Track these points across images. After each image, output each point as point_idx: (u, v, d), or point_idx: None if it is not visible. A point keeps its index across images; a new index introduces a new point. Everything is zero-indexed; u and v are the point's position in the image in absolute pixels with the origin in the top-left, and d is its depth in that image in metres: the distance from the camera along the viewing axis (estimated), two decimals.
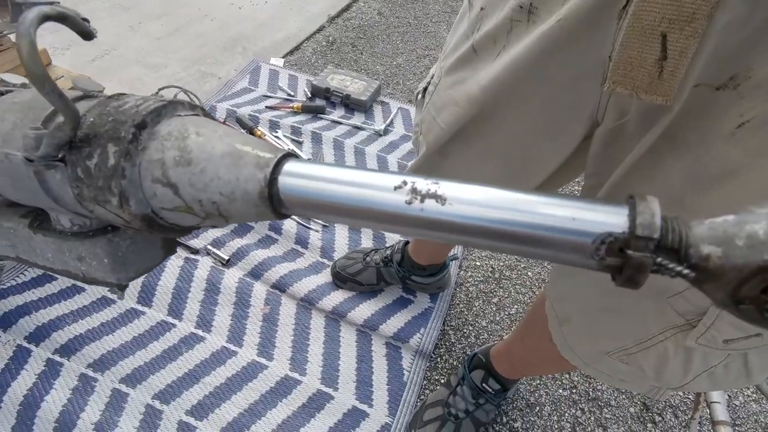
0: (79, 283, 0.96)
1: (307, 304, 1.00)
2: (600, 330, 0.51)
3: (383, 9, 2.04)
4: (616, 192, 0.42)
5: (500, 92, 0.44)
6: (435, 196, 0.17)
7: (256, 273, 1.02)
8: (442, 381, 0.94)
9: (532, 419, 0.90)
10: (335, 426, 0.85)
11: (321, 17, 1.90)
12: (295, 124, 1.36)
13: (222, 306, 0.97)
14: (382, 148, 1.38)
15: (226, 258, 1.03)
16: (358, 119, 1.47)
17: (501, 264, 1.16)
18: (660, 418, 0.93)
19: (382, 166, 1.33)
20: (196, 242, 1.06)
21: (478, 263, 1.16)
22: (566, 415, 0.92)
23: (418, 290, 1.05)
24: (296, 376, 0.90)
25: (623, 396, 0.95)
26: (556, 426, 0.90)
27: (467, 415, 0.84)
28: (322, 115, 1.45)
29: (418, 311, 1.02)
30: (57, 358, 0.85)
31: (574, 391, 0.95)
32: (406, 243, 1.01)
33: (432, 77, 0.57)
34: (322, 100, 1.49)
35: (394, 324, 0.99)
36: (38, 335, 0.86)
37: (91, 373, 0.84)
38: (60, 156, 0.21)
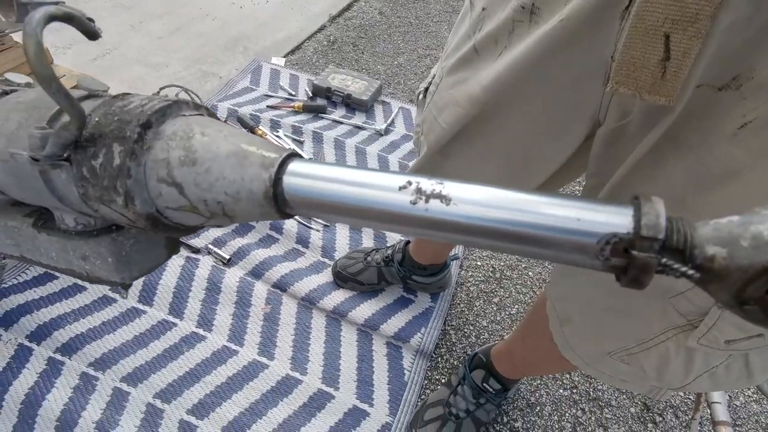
0: (81, 282, 0.96)
1: (308, 303, 1.00)
2: (601, 330, 0.51)
3: (384, 8, 2.04)
4: (618, 192, 0.42)
5: (502, 92, 0.44)
6: (440, 197, 0.17)
7: (257, 272, 1.03)
8: (443, 381, 0.94)
9: (533, 419, 0.90)
10: (336, 425, 0.85)
11: (322, 17, 1.90)
12: (296, 124, 1.36)
13: (223, 305, 0.97)
14: (383, 148, 1.38)
15: (227, 257, 1.03)
16: (359, 119, 1.47)
17: (502, 264, 1.16)
18: (661, 419, 0.93)
19: (383, 166, 1.33)
20: (197, 241, 1.06)
21: (479, 263, 1.16)
22: (567, 415, 0.92)
23: (419, 290, 1.06)
24: (297, 375, 0.90)
25: (624, 396, 0.96)
26: (556, 426, 0.90)
27: (468, 415, 0.85)
28: (323, 115, 1.45)
29: (418, 311, 1.02)
30: (58, 356, 0.85)
31: (574, 391, 0.95)
32: (407, 243, 1.01)
33: (433, 77, 0.57)
34: (323, 100, 1.49)
35: (394, 324, 0.99)
36: (39, 334, 0.86)
37: (92, 372, 0.84)
38: (65, 155, 0.21)
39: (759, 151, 0.32)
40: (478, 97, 0.46)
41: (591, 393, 0.95)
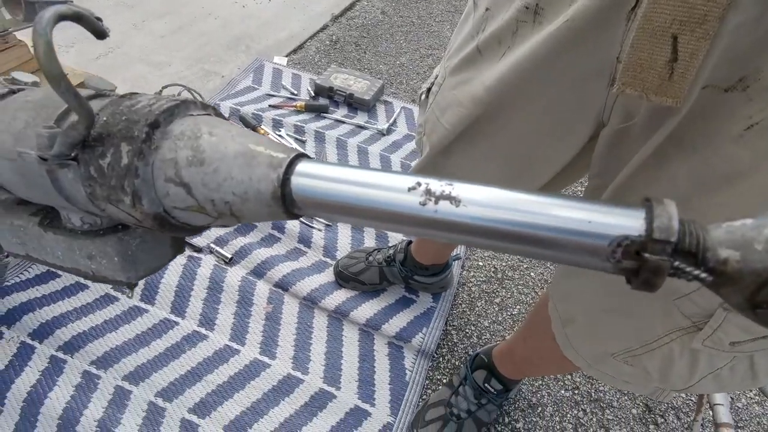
0: (83, 281, 0.96)
1: (309, 303, 1.00)
2: (604, 331, 0.51)
3: (387, 8, 2.04)
4: (621, 193, 0.42)
5: (505, 93, 0.44)
6: (449, 198, 0.17)
7: (259, 272, 1.03)
8: (445, 381, 0.94)
9: (534, 420, 0.90)
10: (337, 425, 0.85)
11: (324, 16, 1.90)
12: (298, 123, 1.36)
13: (225, 304, 0.97)
14: (385, 148, 1.38)
15: (229, 256, 1.04)
16: (361, 118, 1.47)
17: (503, 264, 1.16)
18: (662, 420, 0.93)
19: (385, 166, 1.33)
20: (199, 240, 1.06)
21: (480, 263, 1.16)
22: (568, 416, 0.92)
23: (421, 290, 1.06)
24: (298, 374, 0.90)
25: (625, 397, 0.95)
26: (558, 427, 0.90)
27: (469, 415, 0.84)
28: (325, 114, 1.45)
29: (420, 311, 1.02)
30: (60, 355, 0.85)
31: (576, 392, 0.95)
32: (409, 243, 1.01)
33: (436, 78, 0.57)
34: (325, 99, 1.49)
35: (396, 323, 0.99)
36: (42, 332, 0.86)
37: (94, 371, 0.84)
38: (73, 155, 0.21)
39: (765, 153, 0.32)
40: (482, 98, 0.46)
41: (593, 394, 0.95)
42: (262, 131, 1.30)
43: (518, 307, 1.08)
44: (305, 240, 1.12)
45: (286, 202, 0.20)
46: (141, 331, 0.91)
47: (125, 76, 1.49)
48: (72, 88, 0.19)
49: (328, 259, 1.10)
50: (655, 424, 0.92)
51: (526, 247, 0.16)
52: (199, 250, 1.05)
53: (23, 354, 0.84)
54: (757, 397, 0.98)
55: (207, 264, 1.02)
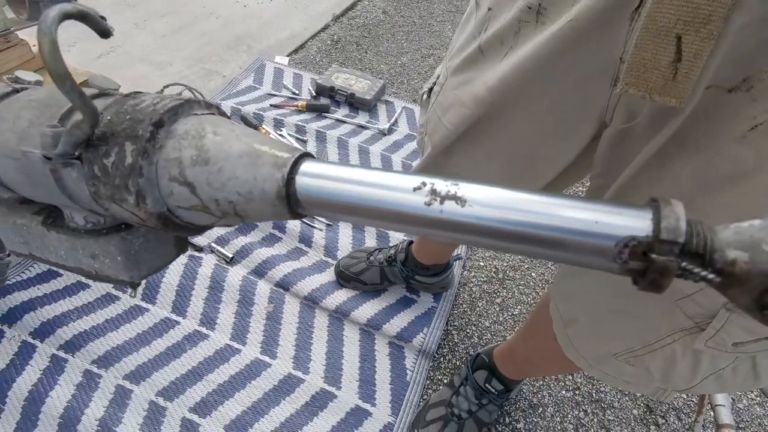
0: (84, 280, 0.96)
1: (310, 302, 1.00)
2: (607, 331, 0.51)
3: (388, 8, 2.04)
4: (624, 193, 0.42)
5: (508, 93, 0.43)
6: (455, 198, 0.17)
7: (259, 271, 1.03)
8: (445, 381, 0.94)
9: (535, 420, 0.90)
10: (338, 425, 0.85)
11: (326, 16, 1.90)
12: (300, 123, 1.36)
13: (226, 304, 0.97)
14: (387, 148, 1.38)
15: (230, 256, 1.04)
16: (362, 118, 1.47)
17: (504, 264, 1.16)
18: (663, 421, 0.93)
19: (386, 166, 1.33)
20: (200, 240, 1.06)
21: (481, 263, 1.16)
22: (569, 416, 0.92)
23: (422, 290, 1.05)
24: (299, 374, 0.90)
25: (626, 398, 0.95)
26: (558, 427, 0.90)
27: (470, 416, 0.84)
28: (326, 114, 1.45)
29: (421, 311, 1.02)
30: (61, 354, 0.85)
31: (577, 392, 0.95)
32: (410, 242, 1.01)
33: (437, 77, 0.57)
34: (326, 99, 1.49)
35: (397, 323, 0.99)
36: (43, 331, 0.86)
37: (95, 370, 0.84)
38: (77, 154, 0.21)
39: None
40: (484, 98, 0.46)
41: (594, 394, 0.95)
42: (263, 131, 1.30)
43: (519, 307, 1.08)
44: (306, 240, 1.12)
45: (291, 202, 0.20)
46: (142, 331, 0.91)
47: (126, 75, 1.49)
48: (77, 87, 0.19)
49: (329, 259, 1.10)
50: (656, 425, 0.92)
51: (532, 247, 0.16)
52: (200, 249, 1.05)
53: (24, 353, 0.84)
54: (758, 398, 0.97)
55: (208, 263, 1.02)
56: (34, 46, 0.98)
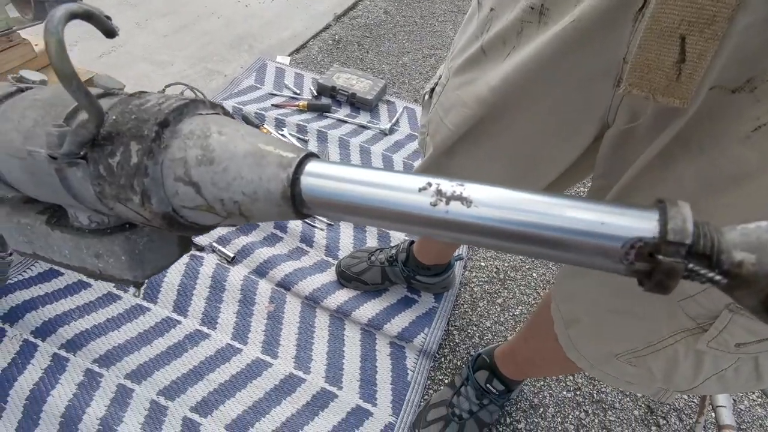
0: (85, 279, 0.96)
1: (311, 302, 1.00)
2: (608, 332, 0.51)
3: (389, 8, 2.04)
4: (627, 194, 0.42)
5: (510, 93, 0.43)
6: (460, 198, 0.17)
7: (261, 271, 1.03)
8: (446, 381, 0.94)
9: (536, 420, 0.90)
10: (339, 424, 0.85)
11: (327, 15, 1.90)
12: (301, 123, 1.36)
13: (227, 303, 0.97)
14: (388, 148, 1.38)
15: (232, 255, 1.04)
16: (363, 118, 1.47)
17: (506, 265, 1.16)
18: (664, 422, 0.93)
19: (387, 166, 1.33)
20: (201, 239, 1.06)
21: (482, 263, 1.16)
22: (570, 417, 0.91)
23: (423, 290, 1.05)
24: (300, 374, 0.90)
25: (627, 399, 0.95)
26: (559, 428, 0.90)
27: (471, 416, 0.84)
28: (327, 114, 1.45)
29: (422, 311, 1.02)
30: (63, 353, 0.85)
31: (578, 393, 0.95)
32: (411, 243, 1.01)
33: (439, 78, 0.57)
34: (327, 99, 1.49)
35: (398, 323, 0.99)
36: (44, 330, 0.86)
37: (96, 369, 0.84)
38: (82, 153, 0.21)
39: None
40: (486, 98, 0.45)
41: (594, 395, 0.95)
42: (264, 130, 1.30)
43: (520, 307, 1.08)
44: (307, 239, 1.12)
45: (296, 202, 0.20)
46: (143, 330, 0.91)
47: (128, 74, 1.49)
48: (83, 86, 0.19)
49: (330, 259, 1.10)
50: (657, 426, 0.92)
51: (537, 248, 0.16)
52: (201, 249, 1.05)
53: (26, 352, 0.84)
54: (759, 399, 0.97)
55: (209, 263, 1.02)
56: (36, 45, 0.98)
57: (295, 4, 1.97)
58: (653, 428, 0.92)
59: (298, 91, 1.52)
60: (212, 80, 1.54)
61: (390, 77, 1.67)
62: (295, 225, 1.13)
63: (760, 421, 0.94)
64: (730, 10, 0.28)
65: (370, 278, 1.02)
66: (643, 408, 0.94)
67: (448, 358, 0.98)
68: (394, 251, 1.02)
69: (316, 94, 1.51)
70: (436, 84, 0.58)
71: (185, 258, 1.02)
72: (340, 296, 1.01)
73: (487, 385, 0.85)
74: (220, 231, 1.08)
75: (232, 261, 1.04)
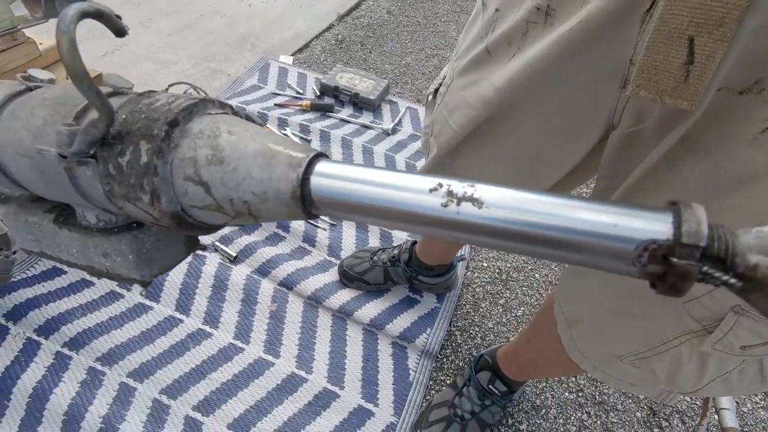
0: (88, 277, 0.96)
1: (313, 302, 1.00)
2: (612, 333, 0.50)
3: (392, 8, 2.03)
4: (631, 195, 0.41)
5: (515, 94, 0.43)
6: (471, 200, 0.17)
7: (263, 270, 1.03)
8: (448, 382, 0.94)
9: (538, 422, 0.90)
10: (341, 424, 0.85)
11: (330, 15, 1.90)
12: (304, 122, 1.36)
13: (229, 302, 0.97)
14: (390, 148, 1.38)
15: (234, 255, 1.04)
16: (366, 118, 1.47)
17: (508, 265, 1.15)
18: (667, 424, 0.92)
19: (390, 166, 1.32)
20: (204, 238, 1.06)
21: (485, 264, 1.15)
22: (572, 418, 0.91)
23: (425, 290, 1.05)
24: (302, 373, 0.90)
25: (630, 400, 0.95)
26: (561, 429, 0.90)
27: (473, 417, 0.84)
28: (330, 114, 1.45)
29: (424, 311, 1.02)
30: (66, 351, 0.85)
31: (580, 394, 0.95)
32: (414, 243, 1.01)
33: (443, 78, 0.57)
34: (330, 99, 1.49)
35: (400, 324, 0.99)
36: (48, 328, 0.87)
37: (99, 367, 0.84)
38: (92, 152, 0.21)
39: None
40: (491, 99, 0.45)
41: (597, 396, 0.95)
42: (267, 130, 1.30)
43: (522, 308, 1.08)
44: (310, 239, 1.12)
45: (306, 202, 0.20)
46: (146, 329, 0.91)
47: (132, 74, 1.49)
48: (94, 86, 0.19)
49: (332, 259, 1.10)
50: (660, 428, 0.92)
51: (548, 250, 0.16)
52: (203, 248, 1.05)
53: (29, 350, 0.84)
54: (762, 402, 0.97)
55: (212, 262, 1.02)
56: (40, 44, 0.98)
57: (298, 3, 1.97)
58: (655, 430, 0.91)
59: (301, 91, 1.52)
60: (215, 79, 1.54)
61: (393, 77, 1.67)
62: (298, 224, 1.13)
63: (763, 424, 0.94)
64: (740, 11, 0.28)
65: (373, 278, 1.02)
66: (646, 410, 0.94)
67: (450, 358, 0.98)
68: (396, 251, 1.02)
69: (319, 93, 1.51)
70: (440, 85, 0.58)
71: (188, 257, 1.02)
72: (343, 296, 1.01)
73: (489, 386, 0.85)
74: (223, 230, 1.08)
75: (235, 260, 1.04)
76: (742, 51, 0.29)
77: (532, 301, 1.09)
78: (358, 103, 1.50)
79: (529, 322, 0.91)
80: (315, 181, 0.19)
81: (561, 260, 0.17)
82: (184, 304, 0.96)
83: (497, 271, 1.14)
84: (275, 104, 1.44)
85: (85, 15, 0.18)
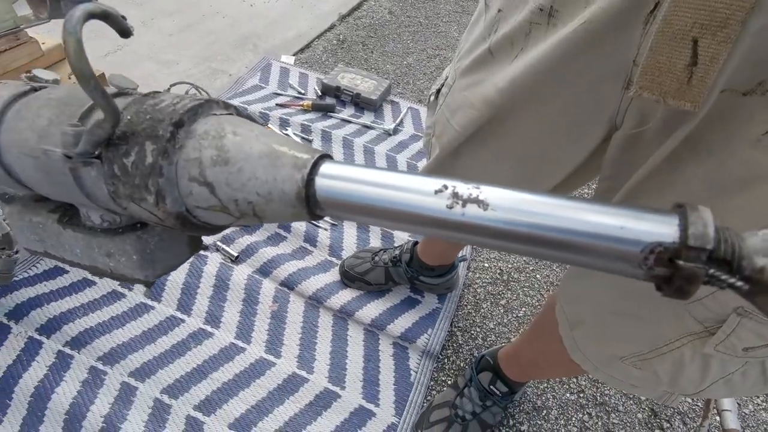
0: (90, 277, 0.96)
1: (315, 302, 1.00)
2: (614, 334, 0.50)
3: (394, 8, 2.04)
4: (634, 196, 0.41)
5: (518, 95, 0.43)
6: (477, 201, 0.17)
7: (264, 270, 1.03)
8: (449, 382, 0.94)
9: (539, 422, 0.90)
10: (342, 424, 0.85)
11: (332, 15, 1.91)
12: (305, 122, 1.36)
13: (231, 302, 0.97)
14: (392, 148, 1.38)
15: (235, 254, 1.04)
16: (367, 118, 1.47)
17: (509, 266, 1.15)
18: (668, 425, 0.92)
19: (391, 166, 1.32)
20: (205, 238, 1.06)
21: (486, 265, 1.15)
22: (573, 419, 0.91)
23: (426, 291, 1.05)
24: (303, 373, 0.90)
25: (631, 401, 0.95)
26: (562, 430, 0.90)
27: (474, 417, 0.84)
28: (331, 114, 1.45)
29: (425, 312, 1.02)
30: (67, 350, 0.85)
31: (581, 395, 0.95)
32: (415, 243, 1.01)
33: (446, 79, 0.57)
34: (332, 99, 1.49)
35: (401, 324, 0.99)
36: (49, 327, 0.87)
37: (100, 366, 0.85)
38: (97, 153, 0.21)
39: None
40: (494, 100, 0.45)
41: (598, 397, 0.95)
42: (269, 129, 1.30)
43: (524, 309, 1.08)
44: (311, 239, 1.12)
45: (310, 203, 0.20)
46: (147, 328, 0.91)
47: (134, 73, 1.50)
48: (101, 87, 0.19)
49: (333, 259, 1.10)
50: (661, 429, 0.92)
51: (554, 251, 0.16)
52: (205, 247, 1.05)
53: (31, 349, 0.84)
54: (764, 404, 0.97)
55: (213, 262, 1.03)
56: (43, 44, 0.99)
57: (299, 3, 1.97)
58: (657, 431, 0.91)
59: (302, 91, 1.52)
60: (217, 79, 1.54)
61: (394, 77, 1.67)
62: (299, 225, 1.13)
63: (764, 426, 0.94)
64: (744, 13, 0.27)
65: (374, 278, 1.02)
66: (647, 411, 0.94)
67: (451, 359, 0.98)
68: (397, 252, 1.02)
69: (320, 93, 1.52)
70: (442, 85, 0.58)
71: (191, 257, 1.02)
72: (344, 296, 1.01)
73: (491, 387, 0.85)
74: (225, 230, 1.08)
75: (236, 260, 1.04)
76: (746, 52, 0.29)
77: (534, 301, 1.09)
78: (360, 104, 1.50)
79: (530, 323, 0.91)
80: (320, 182, 0.19)
81: (566, 262, 0.17)
82: (185, 303, 0.96)
83: (498, 271, 1.14)
84: (277, 104, 1.44)
85: (91, 16, 0.18)
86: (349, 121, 1.44)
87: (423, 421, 0.86)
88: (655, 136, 0.38)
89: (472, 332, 1.02)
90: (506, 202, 0.16)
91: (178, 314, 0.94)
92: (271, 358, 0.91)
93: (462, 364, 0.97)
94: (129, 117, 0.21)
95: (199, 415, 0.82)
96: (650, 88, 0.33)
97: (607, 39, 0.35)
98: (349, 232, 1.16)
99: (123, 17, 0.21)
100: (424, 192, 0.18)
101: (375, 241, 1.15)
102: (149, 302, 0.95)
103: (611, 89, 0.38)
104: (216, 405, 0.84)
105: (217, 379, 0.87)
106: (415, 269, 0.99)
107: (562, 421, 0.91)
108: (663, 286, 0.15)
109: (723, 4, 0.28)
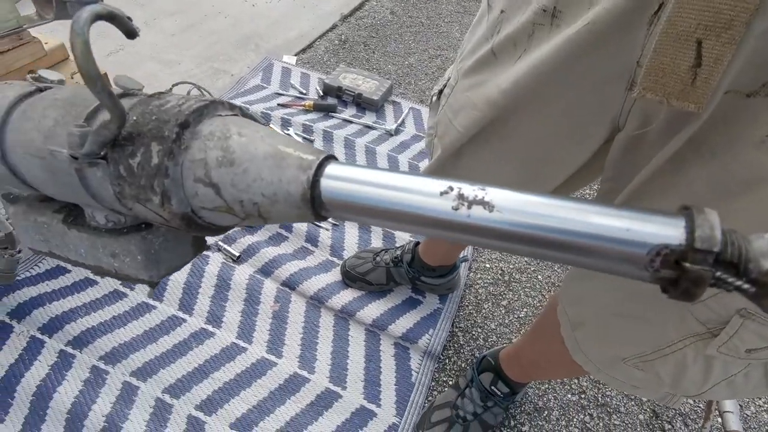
0: (92, 276, 0.96)
1: (316, 302, 1.01)
2: (616, 335, 0.50)
3: (396, 8, 2.04)
4: (636, 198, 0.41)
5: (521, 96, 0.43)
6: (482, 203, 0.17)
7: (266, 270, 1.03)
8: (451, 383, 0.94)
9: (540, 423, 0.90)
10: (343, 425, 0.85)
11: (334, 16, 1.91)
12: (307, 122, 1.36)
13: (232, 302, 0.98)
14: (393, 148, 1.38)
15: (237, 254, 1.04)
16: (369, 118, 1.47)
17: (511, 267, 1.15)
18: (670, 426, 0.92)
19: (393, 166, 1.33)
20: (206, 238, 1.06)
21: (488, 265, 1.15)
22: (574, 420, 0.91)
23: (428, 291, 1.05)
24: (305, 373, 0.90)
25: (632, 402, 0.95)
26: (564, 431, 0.90)
27: (475, 418, 0.84)
28: (333, 114, 1.45)
29: (427, 312, 1.02)
30: (69, 349, 0.86)
31: (582, 396, 0.95)
32: (417, 244, 1.01)
33: (448, 80, 0.57)
34: (333, 99, 1.49)
35: (402, 324, 0.99)
36: (51, 327, 0.87)
37: (102, 366, 0.85)
38: (103, 154, 0.21)
39: None
40: (496, 101, 0.45)
41: (599, 399, 0.95)
42: (270, 129, 1.30)
43: (525, 309, 1.08)
44: (312, 239, 1.12)
45: (316, 204, 0.20)
46: (149, 328, 0.91)
47: (136, 73, 1.50)
48: (107, 88, 0.19)
49: (335, 259, 1.10)
50: (663, 431, 0.91)
51: (559, 253, 0.16)
52: (207, 247, 1.05)
53: (33, 348, 0.84)
54: (766, 405, 0.97)
55: (215, 262, 1.03)
56: (46, 43, 0.99)
57: (301, 3, 1.97)
58: None
59: (304, 91, 1.52)
60: (219, 79, 1.55)
61: (396, 78, 1.67)
62: (301, 225, 1.14)
63: (766, 427, 0.94)
64: (748, 14, 0.27)
65: (375, 279, 1.02)
66: (649, 412, 0.94)
67: (452, 359, 0.98)
68: (399, 252, 1.02)
69: (322, 94, 1.52)
70: (445, 86, 0.58)
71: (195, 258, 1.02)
72: (345, 296, 1.01)
73: (492, 388, 0.85)
74: None
75: (238, 260, 1.04)
76: (750, 54, 0.29)
77: (535, 302, 1.09)
78: (361, 104, 1.50)
79: (532, 324, 0.91)
80: (325, 183, 0.20)
81: (572, 264, 0.17)
82: (187, 303, 0.96)
83: (500, 272, 1.14)
84: (278, 104, 1.44)
85: (98, 17, 0.18)
86: (351, 122, 1.44)
87: (424, 422, 0.86)
88: (659, 138, 0.38)
89: (474, 333, 1.02)
90: (512, 204, 0.16)
91: (180, 314, 0.95)
92: (272, 358, 0.92)
93: (463, 365, 0.97)
94: (135, 118, 0.21)
95: (200, 415, 0.82)
96: (654, 89, 0.33)
97: (610, 40, 0.35)
98: (351, 232, 1.16)
99: (129, 18, 0.21)
100: (429, 193, 0.18)
101: (376, 242, 1.15)
102: (151, 302, 0.95)
103: (615, 90, 0.38)
104: (217, 405, 0.84)
105: (218, 378, 0.87)
106: (416, 270, 0.99)
107: (564, 422, 0.91)
108: (669, 288, 0.15)
109: (727, 5, 0.28)
